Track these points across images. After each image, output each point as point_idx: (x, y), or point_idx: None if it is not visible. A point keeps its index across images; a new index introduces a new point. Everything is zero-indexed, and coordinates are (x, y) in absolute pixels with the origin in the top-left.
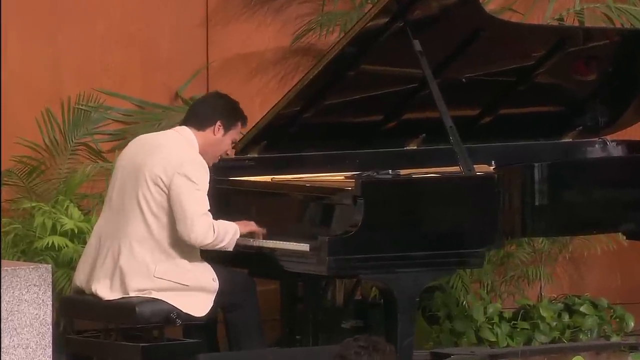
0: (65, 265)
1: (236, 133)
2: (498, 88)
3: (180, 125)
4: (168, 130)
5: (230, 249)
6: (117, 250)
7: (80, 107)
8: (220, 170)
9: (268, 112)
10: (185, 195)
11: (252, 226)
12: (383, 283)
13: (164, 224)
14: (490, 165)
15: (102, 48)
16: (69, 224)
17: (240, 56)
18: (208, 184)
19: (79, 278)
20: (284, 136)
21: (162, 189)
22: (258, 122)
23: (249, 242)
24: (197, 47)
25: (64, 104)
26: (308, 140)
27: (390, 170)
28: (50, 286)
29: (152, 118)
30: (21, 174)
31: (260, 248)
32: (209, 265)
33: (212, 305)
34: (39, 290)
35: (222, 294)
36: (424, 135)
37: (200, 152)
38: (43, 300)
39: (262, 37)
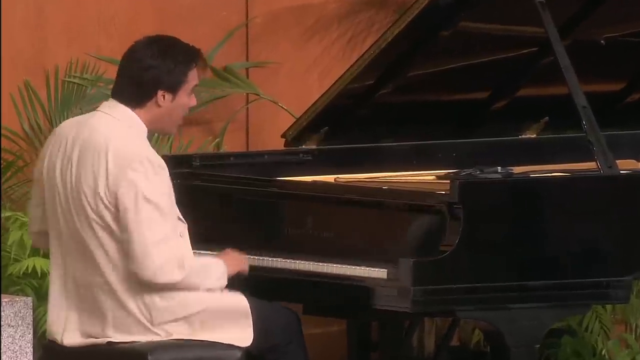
0: None
1: (193, 80)
2: None
3: (111, 98)
4: (95, 113)
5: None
6: (94, 298)
7: (72, 79)
8: (265, 168)
9: (330, 87)
10: (131, 214)
11: (241, 263)
12: (489, 324)
13: None
14: (639, 160)
15: None
16: None
17: (292, 10)
18: (170, 191)
19: (52, 330)
20: (352, 121)
21: (109, 206)
22: (316, 102)
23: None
24: None
25: (49, 75)
26: (385, 126)
27: (499, 168)
28: (30, 327)
29: None
30: None
31: (315, 274)
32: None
33: (251, 328)
34: (15, 332)
35: (258, 334)
36: (546, 119)
37: (151, 130)
38: (20, 345)
39: None
